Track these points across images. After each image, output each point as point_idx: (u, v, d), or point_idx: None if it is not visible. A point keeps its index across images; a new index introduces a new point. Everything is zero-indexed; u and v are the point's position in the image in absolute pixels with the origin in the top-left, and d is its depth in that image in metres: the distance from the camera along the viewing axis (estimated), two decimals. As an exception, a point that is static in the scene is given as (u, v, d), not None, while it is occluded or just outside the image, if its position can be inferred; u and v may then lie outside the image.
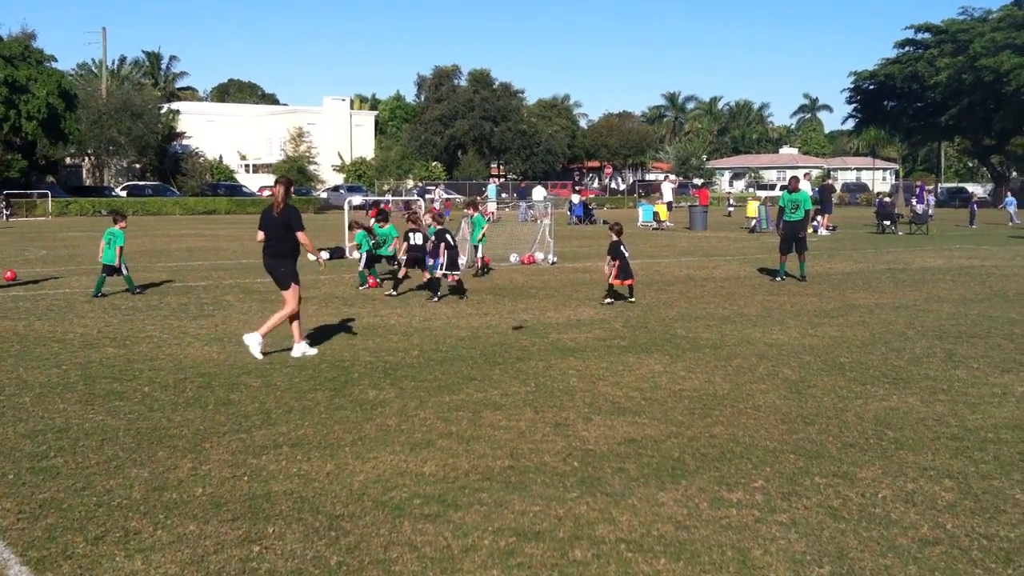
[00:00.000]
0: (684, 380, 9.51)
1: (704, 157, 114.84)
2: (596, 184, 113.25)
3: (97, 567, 4.94)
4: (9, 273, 18.65)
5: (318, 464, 6.70)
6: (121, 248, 16.29)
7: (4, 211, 52.56)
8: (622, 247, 15.42)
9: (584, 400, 8.64)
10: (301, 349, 10.70)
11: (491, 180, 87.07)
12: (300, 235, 10.57)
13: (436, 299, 15.56)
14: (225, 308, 14.70)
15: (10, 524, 5.50)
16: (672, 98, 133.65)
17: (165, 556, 5.08)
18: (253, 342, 10.52)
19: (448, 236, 16.32)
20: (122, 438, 7.33)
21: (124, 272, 16.42)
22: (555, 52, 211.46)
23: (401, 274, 16.67)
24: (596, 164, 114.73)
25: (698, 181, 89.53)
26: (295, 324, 10.81)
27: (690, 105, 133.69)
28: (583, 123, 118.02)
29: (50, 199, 59.07)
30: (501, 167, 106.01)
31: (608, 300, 15.25)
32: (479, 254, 20.60)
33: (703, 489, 6.20)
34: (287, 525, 5.54)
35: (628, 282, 15.54)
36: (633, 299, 15.46)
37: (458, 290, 16.26)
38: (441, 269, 16.03)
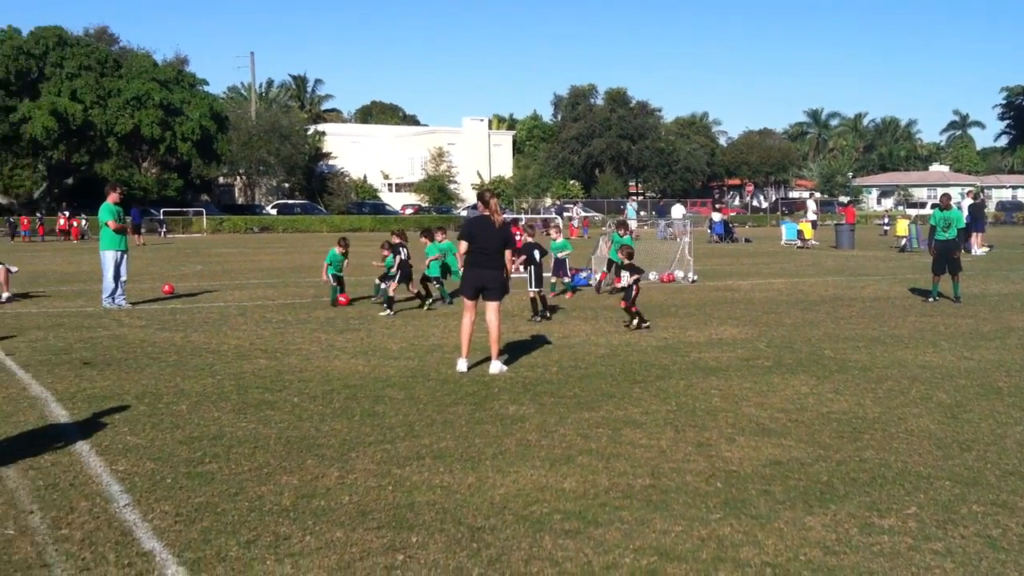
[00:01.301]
0: (832, 402, 9.25)
1: (850, 174, 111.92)
2: (737, 202, 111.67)
3: (249, 570, 5.09)
4: (167, 287, 19.53)
5: (460, 476, 6.77)
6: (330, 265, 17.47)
7: (160, 228, 55.07)
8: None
9: (727, 420, 8.49)
10: (499, 366, 10.76)
11: (629, 199, 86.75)
12: (509, 253, 10.81)
13: (538, 318, 15.29)
14: (370, 322, 15.04)
15: (168, 526, 5.72)
16: (815, 115, 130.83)
17: (313, 561, 5.21)
18: (496, 368, 10.62)
19: (536, 252, 16.15)
20: (273, 446, 7.56)
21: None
22: (693, 70, 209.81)
23: (413, 290, 16.72)
24: (737, 182, 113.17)
25: (844, 199, 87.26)
26: (471, 337, 10.89)
27: (834, 122, 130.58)
28: (722, 140, 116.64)
29: (205, 217, 61.72)
30: (639, 185, 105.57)
31: (646, 324, 14.33)
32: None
33: (853, 514, 6.00)
34: (430, 535, 5.61)
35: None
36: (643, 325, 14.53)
37: (536, 307, 15.60)
38: (530, 285, 15.75)
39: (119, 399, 9.24)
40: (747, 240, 47.14)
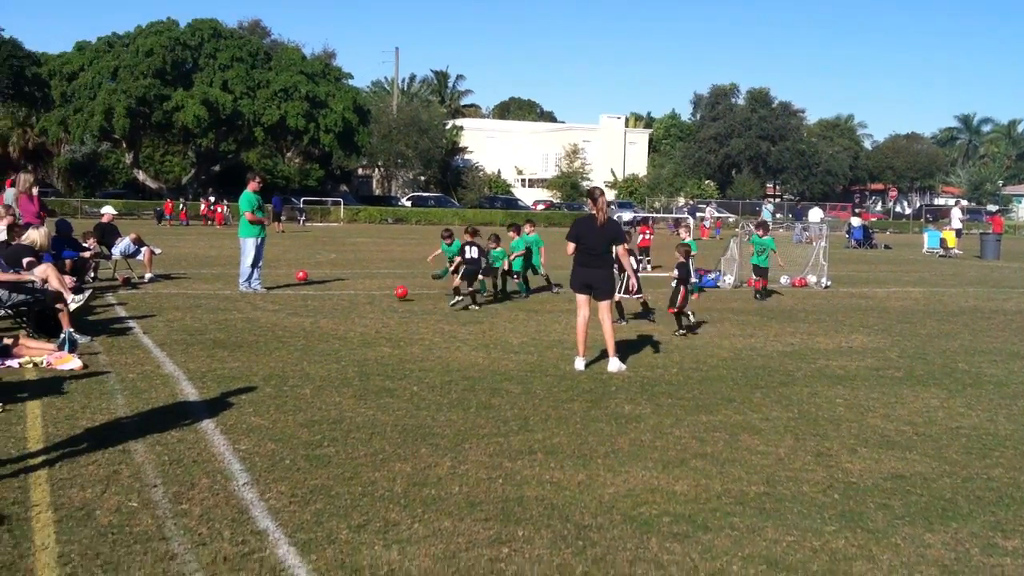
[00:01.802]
0: (962, 417, 8.89)
1: (1000, 183, 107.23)
2: (879, 207, 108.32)
3: (357, 554, 5.19)
4: (301, 274, 20.06)
5: (570, 473, 6.75)
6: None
7: (300, 217, 56.64)
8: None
9: (850, 431, 8.25)
10: (617, 364, 10.67)
11: (765, 200, 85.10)
12: (621, 249, 10.72)
13: (625, 322, 14.65)
14: (492, 315, 15.14)
15: (283, 506, 5.88)
16: (966, 120, 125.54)
17: (420, 549, 5.27)
18: (615, 366, 10.59)
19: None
20: (389, 433, 7.69)
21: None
22: (840, 71, 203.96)
23: (455, 284, 16.27)
24: (880, 187, 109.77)
25: (992, 207, 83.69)
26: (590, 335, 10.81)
27: (986, 128, 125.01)
28: (867, 144, 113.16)
29: (342, 206, 63.14)
30: (777, 187, 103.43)
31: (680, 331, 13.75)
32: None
33: (975, 534, 5.75)
34: (536, 530, 5.61)
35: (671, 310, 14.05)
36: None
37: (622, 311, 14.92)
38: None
39: (247, 380, 9.54)
40: (886, 247, 45.68)
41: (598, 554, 5.29)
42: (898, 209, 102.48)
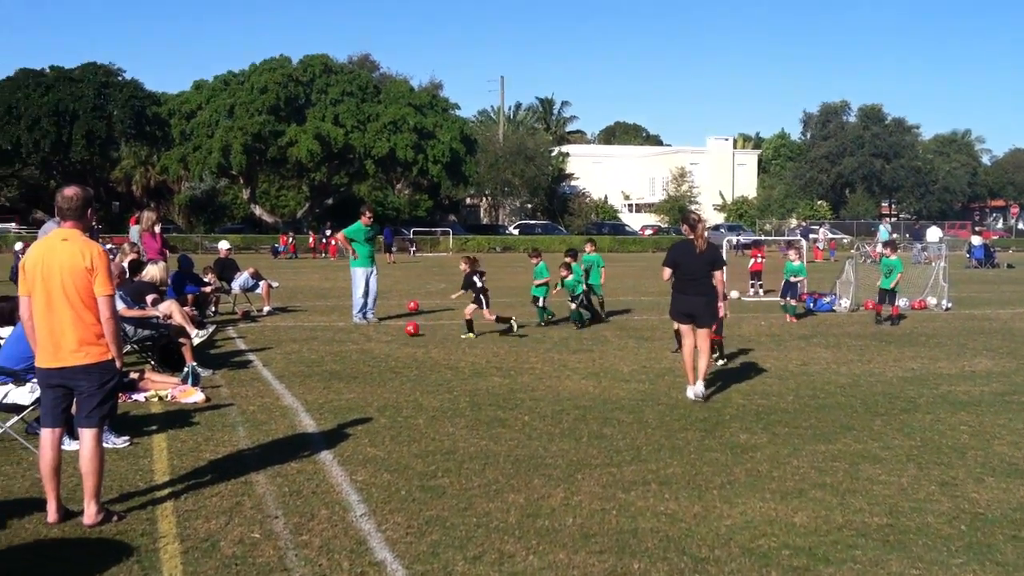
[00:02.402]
0: (1098, 444, 8.50)
1: None
2: (1000, 225, 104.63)
3: (473, 585, 5.22)
4: (412, 304, 20.33)
5: (685, 504, 6.67)
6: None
7: (410, 247, 57.50)
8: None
9: (976, 459, 7.96)
10: (697, 390, 10.39)
11: (883, 220, 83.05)
12: (719, 274, 10.48)
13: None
14: (602, 343, 15.09)
15: (399, 537, 5.95)
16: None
17: (535, 581, 5.27)
18: (698, 391, 10.32)
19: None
20: (502, 463, 7.72)
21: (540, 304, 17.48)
22: (955, 84, 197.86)
23: (490, 316, 16.08)
24: (1000, 203, 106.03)
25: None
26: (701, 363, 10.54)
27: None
28: (986, 159, 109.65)
29: (451, 236, 63.86)
30: (892, 206, 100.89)
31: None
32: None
33: (1116, 569, 5.49)
34: (652, 563, 5.56)
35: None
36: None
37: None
38: None
39: (362, 411, 9.71)
40: (1009, 266, 44.08)
41: (716, 588, 5.22)
42: (1020, 226, 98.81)
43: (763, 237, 42.68)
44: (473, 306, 16.04)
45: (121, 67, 66.90)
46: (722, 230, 69.12)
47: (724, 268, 10.60)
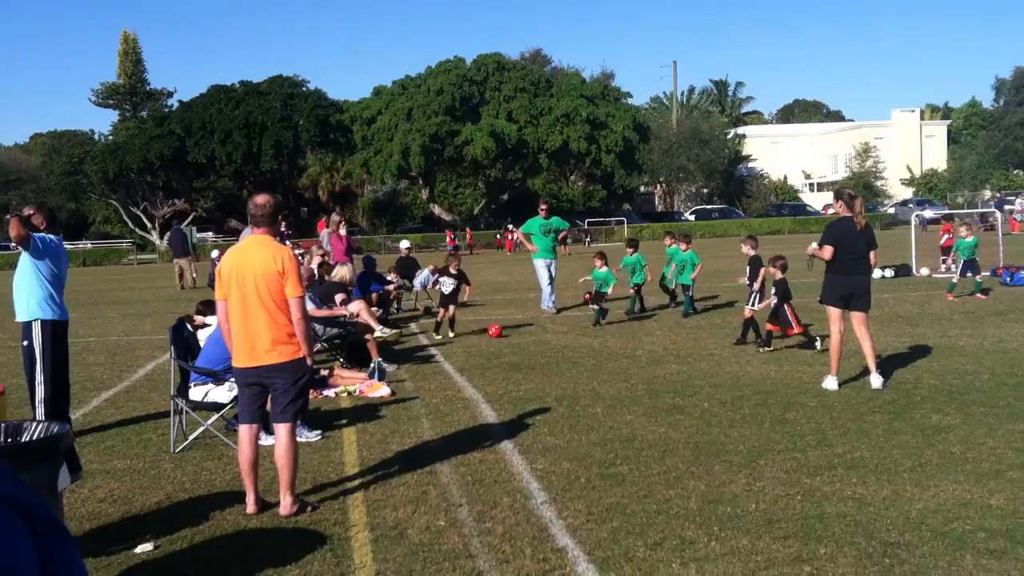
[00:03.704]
0: None
1: None
2: None
3: (655, 572, 5.23)
4: (588, 295, 20.35)
5: (874, 488, 6.48)
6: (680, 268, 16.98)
7: (585, 238, 57.65)
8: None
9: None
10: (875, 382, 9.91)
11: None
12: (873, 255, 10.08)
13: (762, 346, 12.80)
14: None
15: (580, 524, 6.02)
16: None
17: (718, 567, 5.24)
18: (878, 382, 9.87)
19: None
20: (681, 450, 7.69)
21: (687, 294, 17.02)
22: None
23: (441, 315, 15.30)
24: None
25: None
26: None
27: None
28: None
29: (626, 225, 63.64)
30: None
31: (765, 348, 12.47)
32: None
33: None
34: (839, 548, 5.43)
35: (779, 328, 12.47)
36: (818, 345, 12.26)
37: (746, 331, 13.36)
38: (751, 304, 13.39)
39: (541, 401, 9.84)
40: None
41: (907, 572, 5.07)
42: None
43: (951, 211, 40.63)
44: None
45: (305, 78, 69.98)
46: (910, 205, 66.35)
47: (877, 248, 10.11)
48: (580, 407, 9.50)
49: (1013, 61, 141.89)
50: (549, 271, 18.07)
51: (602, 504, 6.38)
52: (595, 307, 16.04)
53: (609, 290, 16.25)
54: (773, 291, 12.71)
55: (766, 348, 12.51)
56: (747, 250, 13.72)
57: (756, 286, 13.25)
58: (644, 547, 5.57)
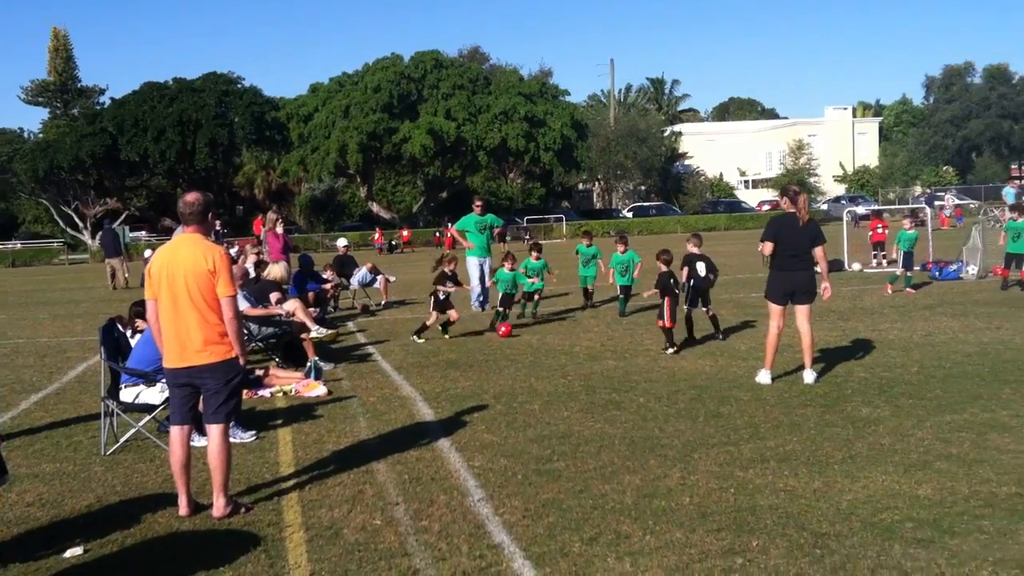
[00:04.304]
0: None
1: None
2: None
3: (590, 566, 5.26)
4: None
5: (805, 480, 6.59)
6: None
7: (524, 236, 57.72)
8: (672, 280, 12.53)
9: (1114, 425, 7.65)
10: (808, 378, 10.04)
11: (1009, 183, 79.75)
12: (820, 250, 10.09)
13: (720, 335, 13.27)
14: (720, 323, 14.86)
15: (516, 520, 6.03)
16: None
17: (652, 561, 5.29)
18: (811, 377, 10.00)
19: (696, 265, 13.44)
20: (617, 446, 7.74)
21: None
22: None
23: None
24: None
25: None
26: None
27: None
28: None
29: (564, 223, 63.85)
30: (1023, 168, 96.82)
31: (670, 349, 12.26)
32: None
33: None
34: (771, 540, 5.51)
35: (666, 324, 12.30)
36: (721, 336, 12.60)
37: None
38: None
39: (478, 399, 9.84)
40: None
41: (837, 562, 5.15)
42: None
43: (882, 207, 41.45)
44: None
45: (240, 75, 69.00)
46: (843, 201, 67.45)
47: (825, 244, 10.12)
48: (517, 404, 9.52)
49: (942, 59, 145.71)
50: (482, 269, 17.94)
51: (538, 500, 6.40)
52: (501, 308, 15.32)
53: (519, 293, 16.17)
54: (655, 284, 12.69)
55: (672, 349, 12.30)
56: (691, 248, 13.61)
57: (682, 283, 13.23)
58: (580, 542, 5.61)
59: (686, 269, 13.21)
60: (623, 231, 16.59)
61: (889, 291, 18.04)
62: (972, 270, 20.56)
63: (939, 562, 5.08)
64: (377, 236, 54.25)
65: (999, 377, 9.69)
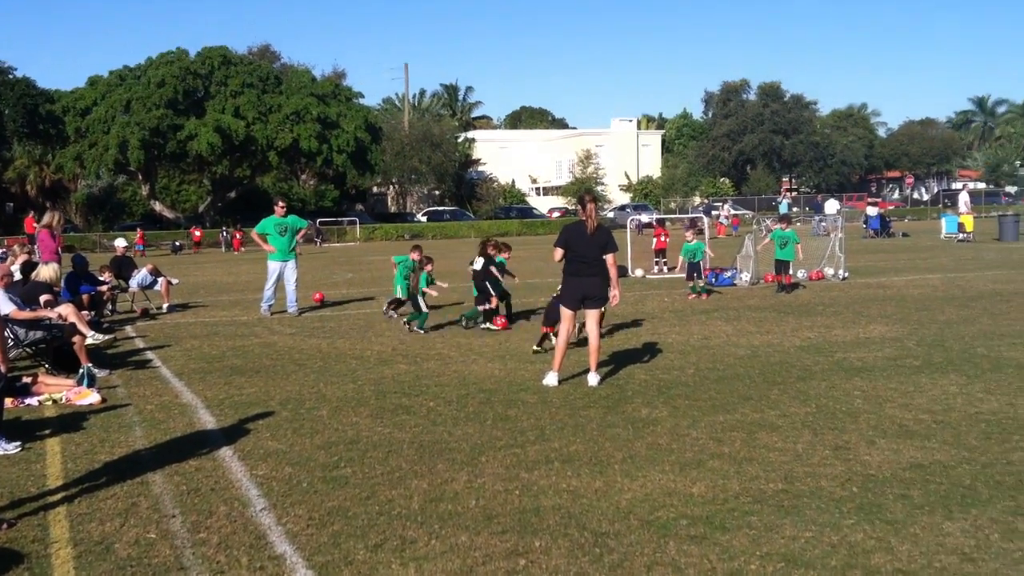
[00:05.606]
0: (982, 402, 8.82)
1: (1018, 163, 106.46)
2: (897, 195, 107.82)
3: (375, 573, 5.20)
4: (318, 296, 20.10)
5: (587, 481, 6.74)
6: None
7: (316, 238, 56.89)
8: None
9: (868, 422, 8.20)
10: (592, 381, 10.23)
11: (784, 194, 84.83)
12: (611, 257, 10.29)
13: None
14: (512, 327, 15.09)
15: (300, 529, 5.90)
16: (981, 102, 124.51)
17: (436, 565, 5.27)
18: (595, 380, 10.16)
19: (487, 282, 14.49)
20: (406, 450, 7.70)
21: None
22: (849, 60, 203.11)
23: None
24: (896, 174, 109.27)
25: (1012, 189, 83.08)
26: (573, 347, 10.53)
27: (1001, 109, 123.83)
28: (881, 132, 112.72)
29: (358, 226, 63.37)
30: (793, 180, 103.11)
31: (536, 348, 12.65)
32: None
33: (995, 519, 5.71)
34: (553, 540, 5.61)
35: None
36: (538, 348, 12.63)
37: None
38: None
39: (264, 405, 9.58)
40: (904, 235, 45.42)
41: (615, 560, 5.29)
42: (916, 196, 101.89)
43: (664, 216, 43.18)
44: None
45: (12, 65, 64.79)
46: (628, 210, 69.83)
47: (616, 252, 10.39)
48: (305, 410, 9.33)
49: (721, 76, 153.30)
50: (281, 273, 17.50)
51: (324, 508, 6.28)
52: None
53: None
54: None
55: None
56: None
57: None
58: (365, 549, 5.53)
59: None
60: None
61: (692, 298, 18.70)
62: (745, 277, 21.71)
63: (711, 557, 5.29)
64: (138, 237, 51.46)
65: (768, 379, 10.25)
